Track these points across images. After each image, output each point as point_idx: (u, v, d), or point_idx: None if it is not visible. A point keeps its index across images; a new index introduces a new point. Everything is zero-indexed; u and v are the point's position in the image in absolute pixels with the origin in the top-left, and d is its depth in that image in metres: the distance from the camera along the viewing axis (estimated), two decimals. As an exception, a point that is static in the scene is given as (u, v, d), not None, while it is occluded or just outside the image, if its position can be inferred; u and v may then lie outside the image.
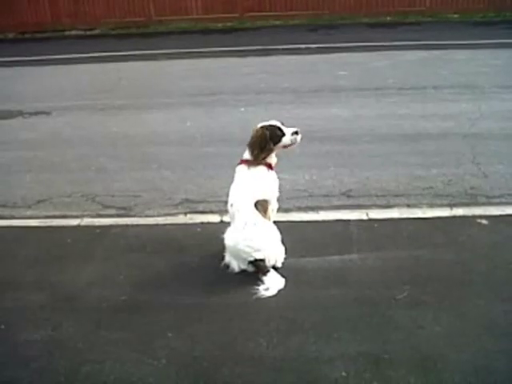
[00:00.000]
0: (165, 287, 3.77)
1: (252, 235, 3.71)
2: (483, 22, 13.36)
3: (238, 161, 3.89)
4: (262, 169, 3.85)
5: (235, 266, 3.82)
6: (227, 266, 3.85)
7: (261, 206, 3.83)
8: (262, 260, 3.73)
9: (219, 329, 3.32)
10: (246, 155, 3.86)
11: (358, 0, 14.40)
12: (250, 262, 3.74)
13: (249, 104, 7.98)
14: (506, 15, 13.70)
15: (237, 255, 3.77)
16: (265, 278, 3.67)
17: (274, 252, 3.83)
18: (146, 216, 4.94)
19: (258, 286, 3.63)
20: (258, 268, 3.73)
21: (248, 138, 3.89)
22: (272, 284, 3.64)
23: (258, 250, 3.71)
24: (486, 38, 11.40)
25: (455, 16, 14.03)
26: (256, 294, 3.58)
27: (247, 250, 3.70)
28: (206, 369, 3.02)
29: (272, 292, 3.59)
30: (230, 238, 3.80)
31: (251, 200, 3.79)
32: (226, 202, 4.03)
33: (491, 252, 4.00)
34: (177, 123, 7.42)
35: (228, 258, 3.86)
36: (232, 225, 3.89)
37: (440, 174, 5.47)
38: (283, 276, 3.72)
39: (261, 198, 3.82)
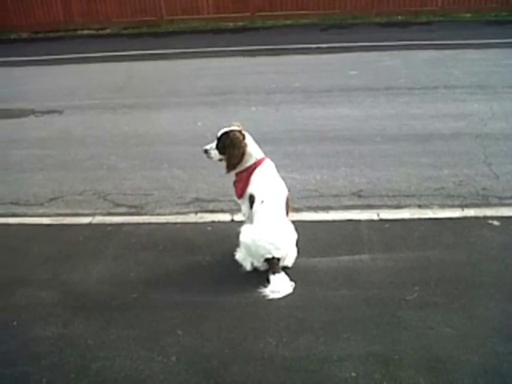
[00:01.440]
0: (175, 285, 3.79)
1: (276, 232, 3.72)
2: (496, 22, 13.25)
3: (259, 158, 3.88)
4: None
5: (248, 264, 3.83)
6: (240, 265, 3.86)
7: (290, 201, 3.89)
8: (279, 259, 3.73)
9: (229, 327, 3.34)
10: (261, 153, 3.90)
11: (370, -1, 14.36)
12: (266, 260, 3.73)
13: (260, 104, 7.98)
14: (519, 15, 13.59)
15: (255, 251, 3.74)
16: (273, 278, 3.65)
17: (291, 252, 3.85)
18: (157, 214, 4.97)
19: (265, 287, 3.62)
20: (271, 266, 3.71)
21: (260, 137, 3.93)
22: (280, 287, 3.61)
23: (278, 249, 3.71)
24: (498, 38, 11.30)
25: (467, 15, 13.92)
26: (263, 295, 3.57)
27: (268, 246, 3.68)
28: (215, 367, 3.03)
29: (279, 295, 3.56)
30: (248, 233, 3.78)
31: (284, 196, 3.86)
32: (237, 202, 4.06)
33: (502, 253, 3.98)
34: (187, 123, 7.44)
35: (242, 256, 3.86)
36: (249, 222, 3.90)
37: (451, 174, 5.44)
38: (292, 279, 3.70)
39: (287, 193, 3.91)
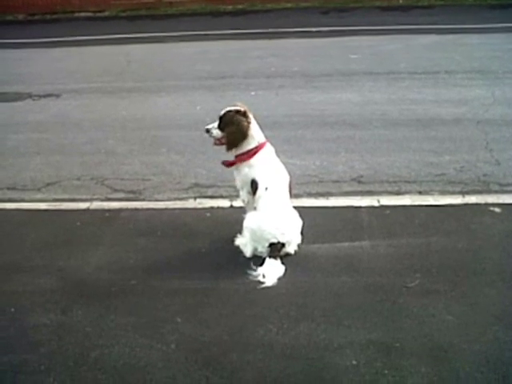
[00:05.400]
0: (174, 272, 3.76)
1: (282, 217, 3.72)
2: (498, 6, 13.08)
3: (261, 142, 3.82)
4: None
5: (248, 250, 3.80)
6: (240, 251, 3.85)
7: (291, 187, 3.88)
8: (283, 244, 3.72)
9: (228, 314, 3.31)
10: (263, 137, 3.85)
11: (371, -18, 14.15)
12: (271, 245, 3.70)
13: (259, 88, 7.90)
14: (522, -2, 13.41)
15: (260, 236, 3.71)
16: (268, 261, 3.64)
17: (295, 239, 3.83)
18: (156, 200, 4.92)
19: (255, 270, 3.61)
20: (273, 250, 3.69)
21: (260, 122, 3.89)
22: (269, 273, 3.58)
23: (284, 233, 3.70)
24: (500, 22, 11.17)
25: (469, -1, 13.77)
26: (251, 276, 3.57)
27: (274, 231, 3.67)
28: (215, 354, 3.01)
29: (265, 281, 3.53)
30: (253, 219, 3.76)
31: (287, 181, 3.85)
32: (236, 187, 4.02)
33: (504, 240, 3.95)
34: (186, 107, 7.37)
35: (243, 241, 3.85)
36: (249, 209, 3.89)
37: (452, 160, 5.39)
38: (291, 266, 3.67)
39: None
